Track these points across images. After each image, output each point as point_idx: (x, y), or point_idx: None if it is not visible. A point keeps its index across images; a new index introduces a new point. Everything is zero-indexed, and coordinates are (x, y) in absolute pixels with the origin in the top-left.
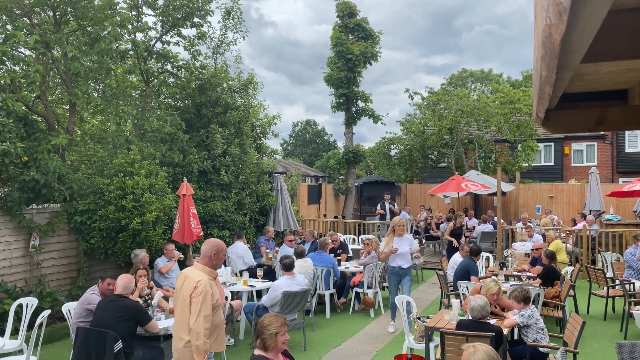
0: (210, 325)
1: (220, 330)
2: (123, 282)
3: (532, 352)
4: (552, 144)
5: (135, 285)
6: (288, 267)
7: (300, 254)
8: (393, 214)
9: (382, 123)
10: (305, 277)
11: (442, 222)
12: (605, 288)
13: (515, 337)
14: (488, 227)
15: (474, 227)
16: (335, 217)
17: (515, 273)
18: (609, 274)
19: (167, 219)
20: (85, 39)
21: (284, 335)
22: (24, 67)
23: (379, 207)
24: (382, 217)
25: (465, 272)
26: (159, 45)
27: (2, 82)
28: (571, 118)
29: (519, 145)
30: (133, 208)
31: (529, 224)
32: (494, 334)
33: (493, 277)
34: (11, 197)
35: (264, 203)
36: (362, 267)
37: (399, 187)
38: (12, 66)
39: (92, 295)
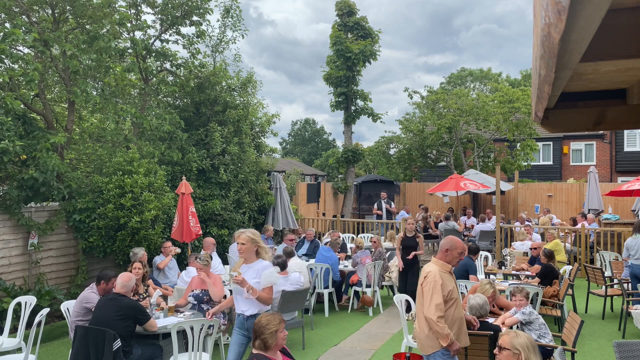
0: (446, 317)
1: (461, 326)
2: (122, 281)
3: (541, 351)
4: (551, 143)
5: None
6: (281, 266)
7: (289, 254)
8: (390, 213)
9: (381, 122)
10: (302, 275)
11: (440, 221)
12: (604, 287)
13: None
14: (487, 226)
15: (472, 226)
16: (334, 216)
17: (513, 272)
18: (608, 273)
19: (166, 217)
20: (84, 37)
21: (283, 331)
22: (23, 65)
23: (375, 206)
24: (379, 216)
25: (464, 271)
26: (158, 43)
27: (1, 80)
28: (570, 117)
29: (518, 145)
30: (132, 206)
31: (527, 222)
32: (492, 332)
33: (492, 277)
34: (10, 195)
35: (263, 202)
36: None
37: (397, 186)
38: (10, 64)
39: (90, 294)
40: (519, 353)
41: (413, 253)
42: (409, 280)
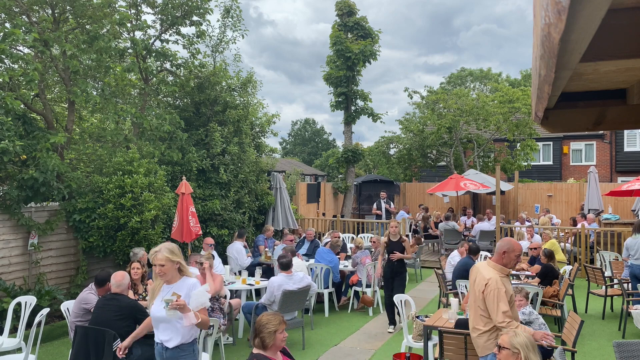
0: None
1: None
2: (115, 280)
3: (541, 351)
4: (551, 143)
5: (132, 279)
6: (285, 266)
7: (292, 252)
8: (389, 213)
9: (381, 122)
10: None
11: (440, 221)
12: (604, 287)
13: None
14: (486, 226)
15: (472, 226)
16: (334, 216)
17: (513, 272)
18: (608, 273)
19: (166, 217)
20: (84, 37)
21: (283, 333)
22: (23, 65)
23: (374, 206)
24: (379, 216)
25: (464, 271)
26: (158, 43)
27: (1, 80)
28: (570, 117)
29: (518, 145)
30: (132, 206)
31: (527, 223)
32: None
33: None
34: (10, 195)
35: (263, 202)
36: (355, 267)
37: (397, 186)
38: (10, 64)
39: (88, 295)
40: (518, 352)
41: (398, 255)
42: (395, 288)
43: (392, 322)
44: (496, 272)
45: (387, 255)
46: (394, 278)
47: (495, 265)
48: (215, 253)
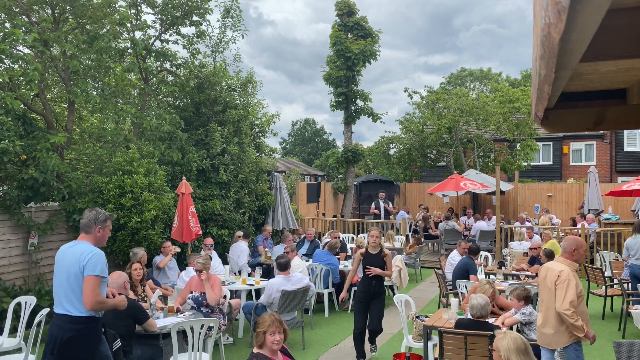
0: (577, 312)
1: (587, 320)
2: (111, 280)
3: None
4: (551, 143)
5: (132, 280)
6: (283, 266)
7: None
8: (388, 213)
9: (381, 122)
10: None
11: (440, 221)
12: (604, 287)
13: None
14: (485, 226)
15: (472, 226)
16: (334, 216)
17: (513, 272)
18: (608, 273)
19: (166, 217)
20: (84, 37)
21: (274, 335)
22: (23, 65)
23: (373, 206)
24: (377, 216)
25: (464, 271)
26: (157, 43)
27: (1, 80)
28: (570, 117)
29: (518, 145)
30: (132, 207)
31: (527, 223)
32: (492, 333)
33: (492, 277)
34: (10, 195)
35: (263, 202)
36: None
37: (397, 186)
38: (10, 64)
39: None
40: (501, 355)
41: (376, 270)
42: (371, 316)
43: (361, 355)
44: (567, 267)
45: (362, 272)
46: (370, 301)
47: (565, 261)
48: (215, 253)
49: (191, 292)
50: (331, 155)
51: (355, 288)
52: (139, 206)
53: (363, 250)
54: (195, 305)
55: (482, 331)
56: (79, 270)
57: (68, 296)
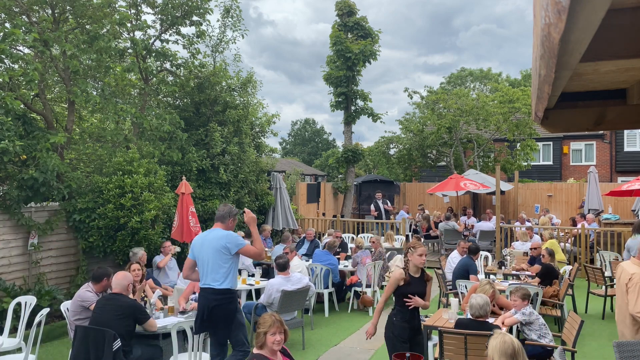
0: None
1: None
2: (116, 280)
3: (540, 351)
4: (551, 143)
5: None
6: (282, 267)
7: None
8: (388, 213)
9: (381, 122)
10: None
11: (440, 221)
12: (604, 287)
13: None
14: (487, 226)
15: (472, 226)
16: (334, 216)
17: (513, 272)
18: (608, 273)
19: (166, 217)
20: (84, 37)
21: (274, 335)
22: (23, 65)
23: (373, 207)
24: (377, 216)
25: (464, 271)
26: (158, 43)
27: (1, 80)
28: (570, 117)
29: (518, 145)
30: (132, 206)
31: (527, 223)
32: (492, 333)
33: (492, 277)
34: (10, 195)
35: (263, 202)
36: (355, 267)
37: (397, 186)
38: (10, 64)
39: (85, 292)
40: (488, 354)
41: (418, 302)
42: None
43: None
44: (639, 268)
45: (398, 300)
46: (413, 339)
47: (637, 262)
48: None
49: (194, 293)
50: (331, 155)
51: (356, 289)
52: (139, 206)
53: (403, 273)
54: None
55: (482, 331)
56: (222, 247)
57: (211, 272)
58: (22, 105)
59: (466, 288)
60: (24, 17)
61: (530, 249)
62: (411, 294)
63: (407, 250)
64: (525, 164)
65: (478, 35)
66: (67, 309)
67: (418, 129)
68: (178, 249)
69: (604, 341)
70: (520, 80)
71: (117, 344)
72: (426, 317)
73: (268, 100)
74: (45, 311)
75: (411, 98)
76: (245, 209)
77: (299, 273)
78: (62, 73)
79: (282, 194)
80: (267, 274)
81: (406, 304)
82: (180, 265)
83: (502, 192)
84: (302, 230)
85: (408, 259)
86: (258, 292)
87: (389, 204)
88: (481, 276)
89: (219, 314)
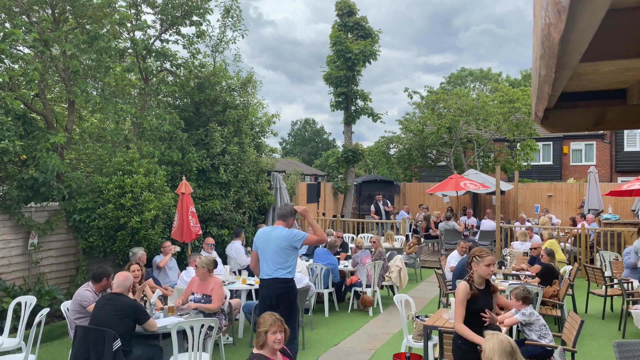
0: None
1: None
2: (118, 280)
3: (541, 351)
4: (551, 143)
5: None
6: None
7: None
8: (388, 214)
9: (381, 122)
10: (304, 274)
11: (440, 221)
12: (604, 287)
13: (513, 337)
14: (492, 224)
15: (472, 226)
16: (334, 216)
17: (513, 272)
18: (608, 273)
19: (166, 217)
20: (84, 37)
21: (275, 334)
22: (23, 65)
23: (373, 209)
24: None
25: (464, 271)
26: (158, 43)
27: (1, 80)
28: (570, 117)
29: (518, 145)
30: (132, 206)
31: (527, 223)
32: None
33: (492, 277)
34: (10, 195)
35: (263, 202)
36: (355, 267)
37: (397, 186)
38: (10, 64)
39: (85, 292)
40: (486, 355)
41: (493, 318)
42: None
43: None
44: None
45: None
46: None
47: None
48: (215, 253)
49: (192, 294)
50: (331, 155)
51: (356, 289)
52: (139, 206)
53: (469, 287)
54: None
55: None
56: (287, 244)
57: (276, 265)
58: (22, 105)
59: None
60: (24, 17)
61: (530, 248)
62: (481, 309)
63: (471, 259)
64: (525, 164)
65: (478, 35)
66: (67, 308)
67: (418, 129)
68: (178, 248)
69: (604, 341)
70: (520, 80)
71: (117, 344)
72: (426, 317)
73: (268, 100)
74: (45, 311)
75: (411, 98)
76: (296, 207)
77: (299, 273)
78: (62, 73)
79: (282, 194)
80: None
81: (483, 319)
82: (180, 265)
83: (502, 192)
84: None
85: (472, 269)
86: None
87: (389, 204)
88: None
89: (285, 300)
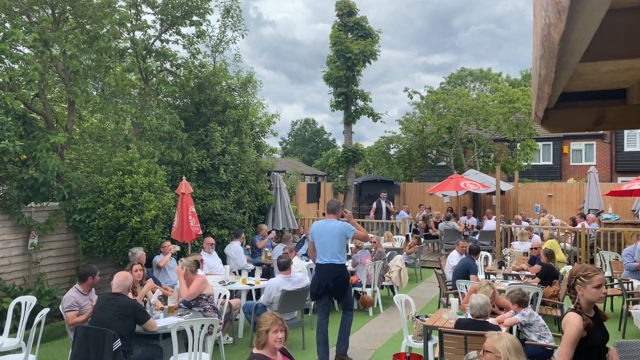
0: None
1: None
2: (117, 280)
3: (541, 351)
4: (551, 143)
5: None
6: (283, 266)
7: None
8: (389, 213)
9: (381, 122)
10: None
11: (440, 221)
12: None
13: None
14: (493, 225)
15: (472, 226)
16: None
17: (513, 272)
18: (608, 273)
19: (166, 217)
20: (84, 37)
21: (276, 333)
22: (23, 65)
23: (374, 206)
24: (378, 216)
25: (465, 271)
26: (158, 43)
27: (1, 80)
28: (570, 117)
29: (518, 145)
30: (132, 206)
31: (525, 223)
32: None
33: (492, 277)
34: (10, 195)
35: (263, 202)
36: (355, 267)
37: (397, 186)
38: (10, 64)
39: (68, 296)
40: (500, 356)
41: (614, 355)
42: None
43: None
44: None
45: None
46: None
47: None
48: (215, 253)
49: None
50: (331, 155)
51: (356, 289)
52: (139, 206)
53: (582, 319)
54: (185, 307)
55: (482, 331)
56: (341, 233)
57: (333, 252)
58: (22, 105)
59: (466, 288)
60: (24, 17)
61: (531, 248)
62: (600, 344)
63: (573, 282)
64: (525, 164)
65: (477, 36)
66: None
67: (418, 129)
68: (178, 248)
69: None
70: (520, 80)
71: (117, 344)
72: (426, 317)
73: (268, 100)
74: (45, 311)
75: (411, 98)
76: (345, 210)
77: (300, 273)
78: (62, 73)
79: (282, 194)
80: (268, 274)
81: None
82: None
83: (502, 192)
84: (303, 230)
85: (578, 294)
86: (258, 292)
87: (392, 204)
88: (481, 276)
89: (340, 281)
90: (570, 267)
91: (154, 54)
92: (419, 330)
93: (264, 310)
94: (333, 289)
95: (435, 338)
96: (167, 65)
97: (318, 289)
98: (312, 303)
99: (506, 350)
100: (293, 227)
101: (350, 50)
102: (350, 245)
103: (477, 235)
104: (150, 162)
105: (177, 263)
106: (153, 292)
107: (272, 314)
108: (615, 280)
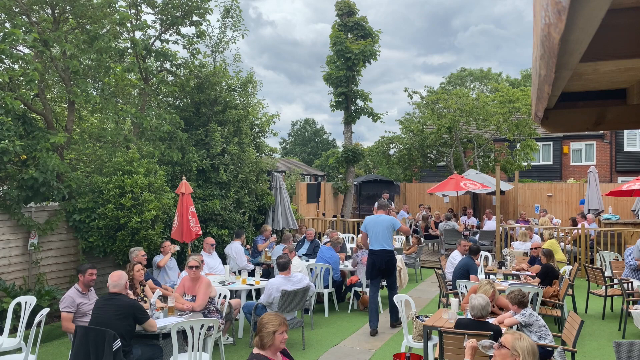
0: None
1: None
2: (112, 281)
3: (541, 351)
4: (551, 143)
5: (133, 282)
6: (282, 266)
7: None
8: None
9: (381, 122)
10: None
11: (440, 221)
12: (604, 287)
13: None
14: (493, 225)
15: (472, 226)
16: (334, 216)
17: (514, 272)
18: (608, 273)
19: (166, 217)
20: (84, 37)
21: (283, 334)
22: (23, 65)
23: (376, 206)
24: None
25: (465, 271)
26: (157, 43)
27: (1, 80)
28: (570, 117)
29: (518, 145)
30: (132, 206)
31: (523, 222)
32: (492, 333)
33: (492, 277)
34: (10, 195)
35: (263, 202)
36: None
37: (397, 186)
38: (10, 64)
39: (66, 296)
40: (517, 355)
41: None
42: None
43: None
44: None
45: None
46: None
47: None
48: (215, 253)
49: (184, 295)
50: (331, 155)
51: (356, 289)
52: (139, 206)
53: None
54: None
55: (482, 331)
56: (390, 225)
57: (385, 239)
58: (22, 105)
59: (466, 288)
60: (24, 17)
61: (531, 248)
62: None
63: None
64: (525, 164)
65: (476, 36)
66: None
67: (418, 129)
68: (178, 248)
69: (604, 341)
70: (520, 80)
71: (117, 344)
72: (426, 317)
73: (268, 100)
74: (45, 311)
75: (411, 98)
76: (391, 209)
77: (300, 273)
78: (62, 73)
79: (282, 194)
80: (268, 274)
81: None
82: (180, 265)
83: (502, 192)
84: (303, 230)
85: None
86: (258, 292)
87: (392, 204)
88: (481, 276)
89: (390, 264)
90: (570, 267)
91: (154, 54)
92: (419, 331)
93: (264, 311)
94: (385, 269)
95: (435, 338)
96: (167, 65)
97: (372, 269)
98: (312, 303)
99: (525, 352)
100: (293, 227)
101: (350, 50)
102: (351, 245)
103: (477, 235)
104: (150, 162)
105: (177, 263)
106: (153, 292)
107: (277, 315)
108: (615, 280)
